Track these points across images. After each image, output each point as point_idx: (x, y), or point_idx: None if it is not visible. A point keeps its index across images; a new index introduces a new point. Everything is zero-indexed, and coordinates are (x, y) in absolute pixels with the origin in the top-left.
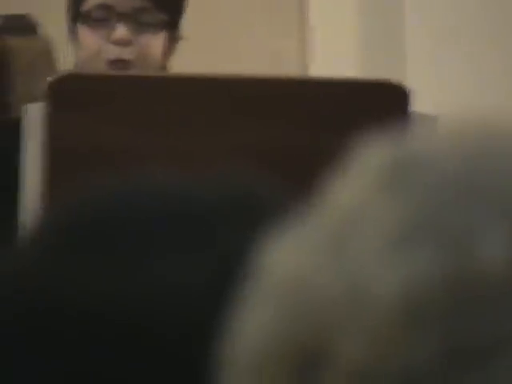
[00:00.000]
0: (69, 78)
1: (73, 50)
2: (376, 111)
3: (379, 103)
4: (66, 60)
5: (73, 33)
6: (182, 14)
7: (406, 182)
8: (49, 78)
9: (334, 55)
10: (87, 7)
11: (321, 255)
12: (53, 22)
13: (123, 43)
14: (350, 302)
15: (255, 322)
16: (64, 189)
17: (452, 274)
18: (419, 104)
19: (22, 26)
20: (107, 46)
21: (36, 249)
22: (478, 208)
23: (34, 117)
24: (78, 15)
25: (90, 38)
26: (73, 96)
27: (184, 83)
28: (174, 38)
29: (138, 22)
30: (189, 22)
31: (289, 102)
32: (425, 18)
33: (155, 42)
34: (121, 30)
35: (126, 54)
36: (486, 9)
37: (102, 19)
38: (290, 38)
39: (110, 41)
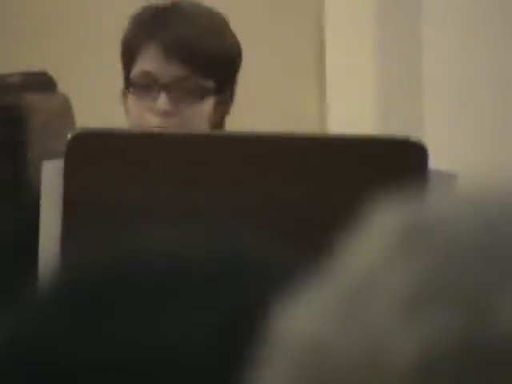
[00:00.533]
0: (86, 134)
1: (125, 115)
2: (395, 169)
3: (398, 161)
4: (83, 116)
5: (124, 98)
6: (232, 77)
7: (422, 245)
8: (66, 135)
9: (352, 109)
10: (133, 75)
11: (337, 319)
12: (71, 77)
13: (164, 114)
14: (367, 365)
15: None
16: (80, 244)
17: (469, 338)
18: (437, 161)
19: (41, 83)
20: (150, 116)
21: (48, 303)
22: (496, 272)
23: (51, 173)
24: (126, 81)
25: (134, 106)
26: (90, 152)
27: (197, 140)
28: (223, 101)
29: (180, 91)
30: None
31: (307, 160)
32: (444, 74)
33: (199, 111)
34: (162, 101)
35: (167, 123)
36: (504, 63)
37: (144, 87)
38: (307, 93)
39: (153, 111)
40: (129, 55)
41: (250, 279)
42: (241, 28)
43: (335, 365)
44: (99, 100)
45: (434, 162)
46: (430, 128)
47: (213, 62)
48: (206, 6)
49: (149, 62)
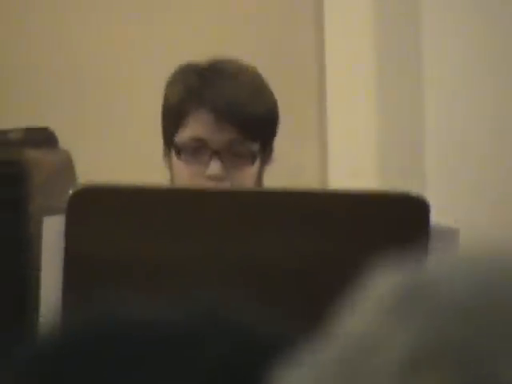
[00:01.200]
0: (87, 190)
1: (168, 174)
2: (396, 224)
3: (399, 216)
4: (84, 170)
5: (168, 160)
6: (274, 133)
7: (420, 308)
8: (68, 191)
9: (353, 160)
10: (181, 139)
11: (334, 381)
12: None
13: (217, 179)
14: None
15: None
16: (80, 302)
17: None
18: (439, 215)
19: (42, 138)
20: (201, 181)
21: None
22: (495, 335)
23: (52, 229)
24: (171, 144)
25: (184, 171)
26: (91, 208)
27: (203, 196)
28: (267, 160)
29: (232, 155)
30: None
31: (305, 215)
32: (445, 128)
33: (250, 174)
34: (215, 167)
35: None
36: (505, 114)
37: (196, 153)
38: (308, 143)
39: (204, 176)
40: (175, 119)
41: (236, 345)
42: None
43: None
44: (101, 155)
45: (436, 217)
46: (432, 182)
47: (260, 125)
48: (242, 63)
49: (200, 127)
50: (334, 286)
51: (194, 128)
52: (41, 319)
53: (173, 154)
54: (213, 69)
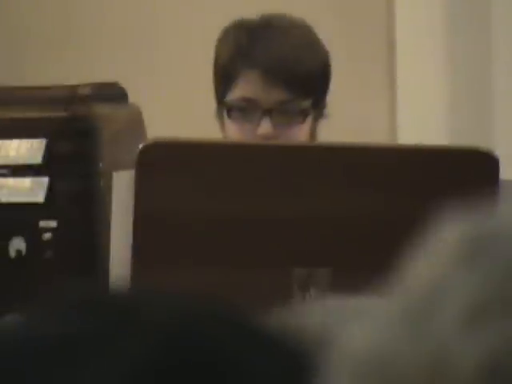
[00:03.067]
0: (157, 145)
1: (221, 132)
2: (465, 179)
3: (469, 171)
4: (154, 127)
5: (220, 118)
6: (327, 89)
7: (487, 256)
8: (137, 146)
9: (422, 121)
10: (231, 98)
11: (401, 332)
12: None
13: (269, 138)
14: (433, 376)
15: None
16: (150, 256)
17: None
18: (508, 172)
19: (111, 94)
20: (253, 139)
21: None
22: None
23: (122, 184)
24: (222, 103)
25: (235, 131)
26: (161, 163)
27: (269, 151)
28: (320, 115)
29: (283, 114)
30: None
31: (378, 170)
32: None
33: (302, 132)
34: (266, 126)
35: None
36: None
37: (246, 112)
38: (377, 105)
39: (256, 135)
40: (226, 80)
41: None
42: None
43: (401, 377)
44: (170, 110)
45: (506, 173)
46: (501, 138)
47: (312, 82)
48: (294, 19)
49: (250, 87)
50: (403, 239)
51: (244, 88)
52: (110, 273)
53: (224, 113)
54: (262, 26)
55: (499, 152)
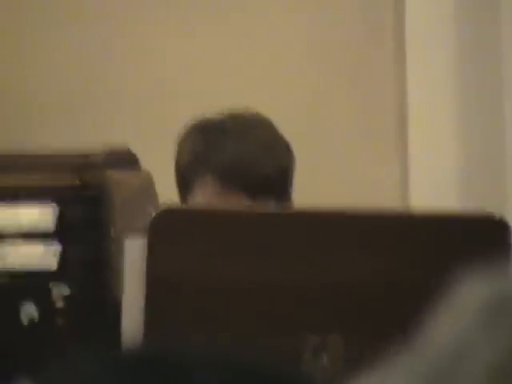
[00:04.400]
0: (171, 212)
1: None
2: (478, 246)
3: (481, 238)
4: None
5: None
6: (290, 188)
7: (507, 319)
8: (151, 212)
9: (435, 183)
10: (191, 202)
11: None
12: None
13: None
14: None
15: None
16: (162, 323)
17: None
18: None
19: (123, 159)
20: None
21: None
22: None
23: (134, 250)
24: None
25: None
26: (175, 230)
27: (281, 218)
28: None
29: None
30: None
31: (390, 237)
32: None
33: None
34: None
35: None
36: None
37: None
38: (390, 167)
39: None
40: (185, 185)
41: None
42: (321, 104)
43: None
44: None
45: None
46: None
47: (270, 184)
48: (255, 117)
49: (207, 193)
50: (415, 303)
51: (202, 194)
52: (123, 341)
53: None
54: (220, 130)
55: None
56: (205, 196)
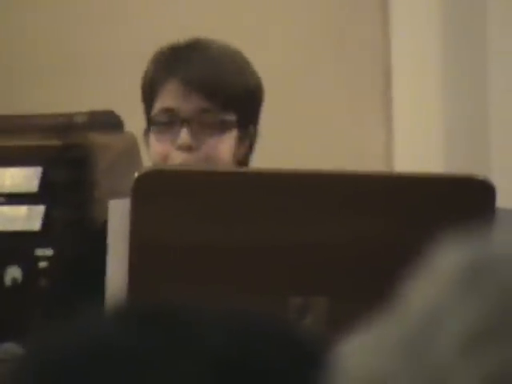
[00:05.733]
0: (154, 172)
1: (148, 155)
2: (461, 207)
3: (464, 199)
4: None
5: (145, 137)
6: (255, 111)
7: (485, 282)
8: (134, 174)
9: (419, 147)
10: (155, 112)
11: (399, 357)
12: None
13: (186, 149)
14: None
15: None
16: (146, 284)
17: None
18: (506, 199)
19: (108, 122)
20: (173, 152)
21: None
22: None
23: (118, 212)
24: (148, 120)
25: (157, 144)
26: (157, 191)
27: (265, 178)
28: (246, 135)
29: (202, 124)
30: (269, 115)
31: (373, 198)
32: (511, 111)
33: (222, 144)
34: (184, 136)
35: (191, 159)
36: None
37: (166, 124)
38: (373, 131)
39: (176, 147)
40: (150, 93)
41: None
42: (307, 66)
43: None
44: None
45: (502, 201)
46: (497, 167)
47: (233, 96)
48: (227, 44)
49: (170, 98)
50: (399, 266)
51: (165, 99)
52: (106, 302)
53: (149, 131)
54: (188, 45)
55: (495, 180)
56: (167, 100)
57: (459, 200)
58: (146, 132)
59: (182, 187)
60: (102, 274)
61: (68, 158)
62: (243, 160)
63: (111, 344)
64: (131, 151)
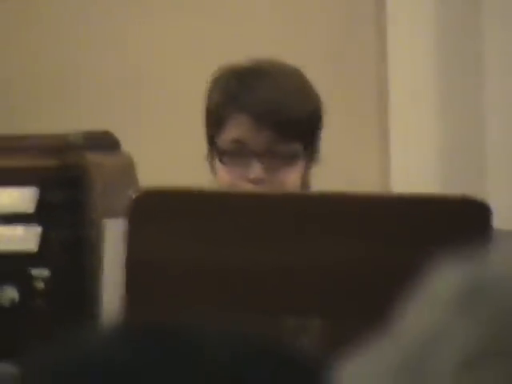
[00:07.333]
0: (150, 194)
1: (213, 179)
2: (458, 229)
3: (461, 221)
4: (146, 175)
5: (211, 163)
6: (319, 135)
7: (482, 304)
8: (130, 194)
9: (415, 167)
10: (222, 142)
11: (396, 379)
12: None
13: (259, 182)
14: None
15: None
16: (141, 305)
17: None
18: (502, 221)
19: (104, 142)
20: (244, 184)
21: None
22: None
23: (113, 232)
24: (213, 148)
25: (226, 174)
26: (154, 212)
27: (263, 199)
28: (312, 161)
29: (272, 157)
30: None
31: (369, 220)
32: (507, 132)
33: (293, 175)
34: (256, 170)
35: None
36: None
37: (236, 155)
38: (369, 148)
39: (246, 180)
40: (216, 123)
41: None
42: None
43: None
44: (162, 158)
45: (497, 221)
46: (493, 187)
47: (301, 126)
48: (285, 65)
49: (239, 130)
50: (395, 286)
51: (234, 131)
52: (102, 321)
53: (216, 157)
54: (252, 72)
55: (492, 201)
56: (236, 133)
57: (455, 222)
58: (211, 157)
59: (177, 208)
60: (96, 293)
61: (64, 178)
62: (306, 183)
63: (108, 359)
64: (127, 171)
